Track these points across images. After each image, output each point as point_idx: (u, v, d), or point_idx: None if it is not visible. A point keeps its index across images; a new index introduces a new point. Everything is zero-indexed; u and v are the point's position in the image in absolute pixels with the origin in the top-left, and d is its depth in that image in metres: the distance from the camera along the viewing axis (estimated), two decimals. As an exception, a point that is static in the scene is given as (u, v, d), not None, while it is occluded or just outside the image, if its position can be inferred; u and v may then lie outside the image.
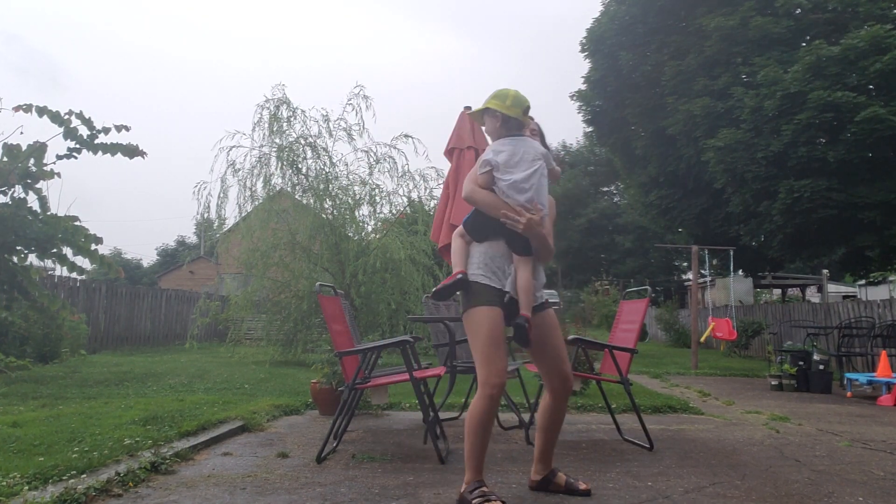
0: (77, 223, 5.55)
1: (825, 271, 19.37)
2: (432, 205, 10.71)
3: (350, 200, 10.12)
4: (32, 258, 5.73)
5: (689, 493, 3.02)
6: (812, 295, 25.20)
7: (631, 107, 15.24)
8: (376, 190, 10.18)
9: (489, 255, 2.86)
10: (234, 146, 9.84)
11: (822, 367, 7.67)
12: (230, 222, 11.06)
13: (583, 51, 15.71)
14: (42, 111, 5.13)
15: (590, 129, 17.74)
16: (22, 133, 7.69)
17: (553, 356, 2.91)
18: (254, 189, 9.88)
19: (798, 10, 12.39)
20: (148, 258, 57.93)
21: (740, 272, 17.82)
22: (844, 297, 23.13)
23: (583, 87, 16.41)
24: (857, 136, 9.92)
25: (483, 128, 3.08)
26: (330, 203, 9.99)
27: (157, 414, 4.35)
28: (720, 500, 2.92)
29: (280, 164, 9.79)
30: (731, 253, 12.81)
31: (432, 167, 10.79)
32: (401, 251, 9.64)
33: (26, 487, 2.70)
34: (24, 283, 5.69)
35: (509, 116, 2.89)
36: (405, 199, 10.45)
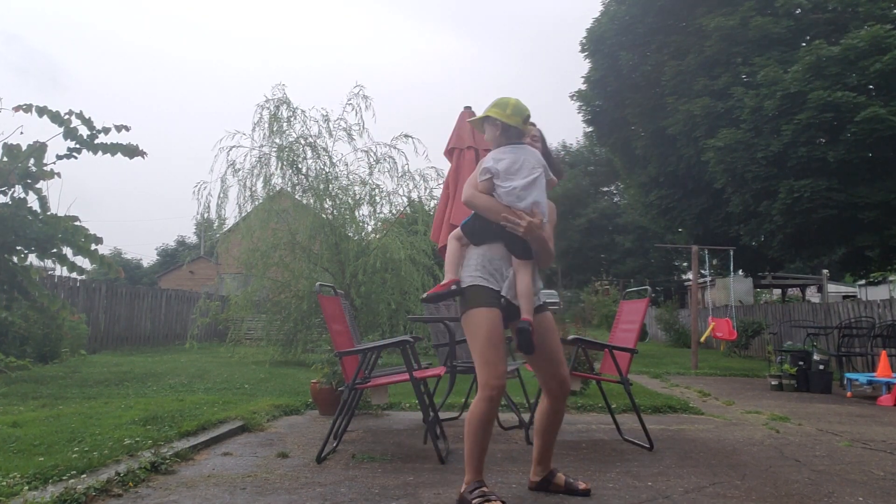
0: (77, 223, 5.54)
1: (825, 271, 19.39)
2: (432, 205, 10.71)
3: (350, 200, 10.12)
4: (32, 258, 5.72)
5: (689, 493, 3.02)
6: (812, 295, 25.20)
7: (631, 107, 15.24)
8: (376, 190, 10.19)
9: (487, 258, 2.86)
10: (234, 146, 9.85)
11: (822, 367, 7.67)
12: (230, 222, 11.06)
13: (583, 51, 15.71)
14: (42, 111, 5.13)
15: (590, 129, 17.74)
16: (22, 133, 7.68)
17: (550, 359, 2.90)
18: (254, 189, 9.89)
19: (798, 10, 12.39)
20: (148, 258, 57.97)
21: (740, 272, 17.82)
22: (844, 297, 23.13)
23: (583, 87, 16.42)
24: (857, 136, 9.92)
25: (484, 135, 3.08)
26: (330, 203, 9.99)
27: (157, 414, 4.35)
28: (720, 500, 2.92)
29: (280, 164, 9.79)
30: (731, 253, 12.81)
31: (432, 167, 10.80)
32: (401, 251, 9.64)
33: (26, 487, 2.70)
34: (24, 283, 5.68)
35: (509, 125, 2.90)
36: (405, 199, 10.45)
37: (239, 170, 9.85)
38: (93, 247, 5.55)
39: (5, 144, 5.10)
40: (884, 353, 7.34)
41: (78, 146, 5.28)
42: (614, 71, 14.86)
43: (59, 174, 5.36)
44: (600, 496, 2.95)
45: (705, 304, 16.41)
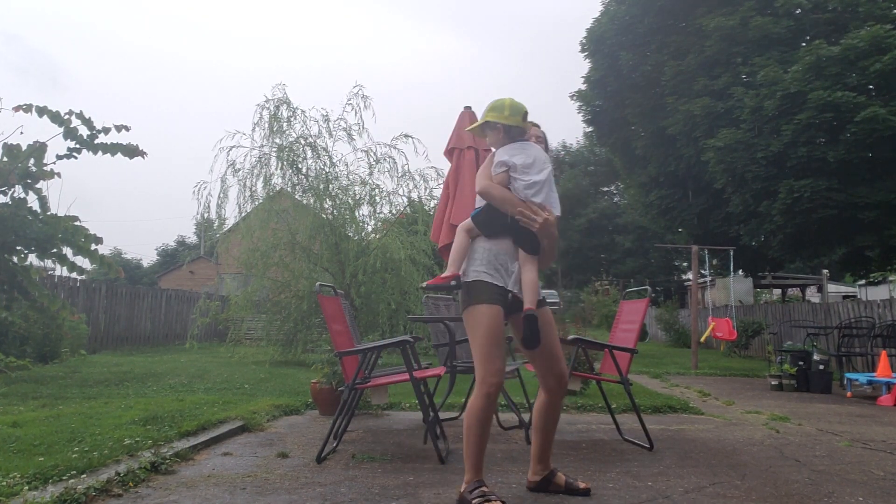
0: (77, 223, 5.53)
1: (825, 271, 19.38)
2: (432, 205, 10.70)
3: (350, 200, 10.12)
4: (32, 258, 5.71)
5: (689, 493, 3.02)
6: (812, 295, 25.20)
7: (631, 107, 15.24)
8: (376, 190, 10.19)
9: (493, 253, 2.85)
10: (234, 146, 9.85)
11: (822, 367, 7.67)
12: (230, 222, 11.06)
13: (583, 51, 15.72)
14: (42, 111, 5.12)
15: (590, 129, 17.76)
16: (22, 133, 7.67)
17: (549, 354, 2.91)
18: (254, 189, 9.89)
19: (798, 10, 12.39)
20: (148, 258, 57.94)
21: (740, 272, 17.83)
22: (844, 297, 23.13)
23: (583, 87, 16.42)
24: (856, 136, 9.92)
25: (486, 140, 3.08)
26: (330, 203, 9.99)
27: (157, 414, 4.35)
28: (720, 500, 2.92)
29: (280, 164, 9.79)
30: (731, 253, 12.81)
31: (432, 167, 10.78)
32: (401, 251, 9.65)
33: (26, 487, 2.70)
34: (24, 283, 5.68)
35: (510, 126, 2.92)
36: (405, 199, 10.46)
37: (239, 170, 9.86)
38: (93, 247, 5.55)
39: (5, 144, 5.10)
40: (884, 353, 7.34)
41: (78, 146, 5.27)
42: (614, 71, 14.86)
43: (59, 174, 5.35)
44: (600, 496, 2.95)
45: (705, 304, 16.41)
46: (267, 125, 9.78)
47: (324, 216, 9.93)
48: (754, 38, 12.17)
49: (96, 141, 5.29)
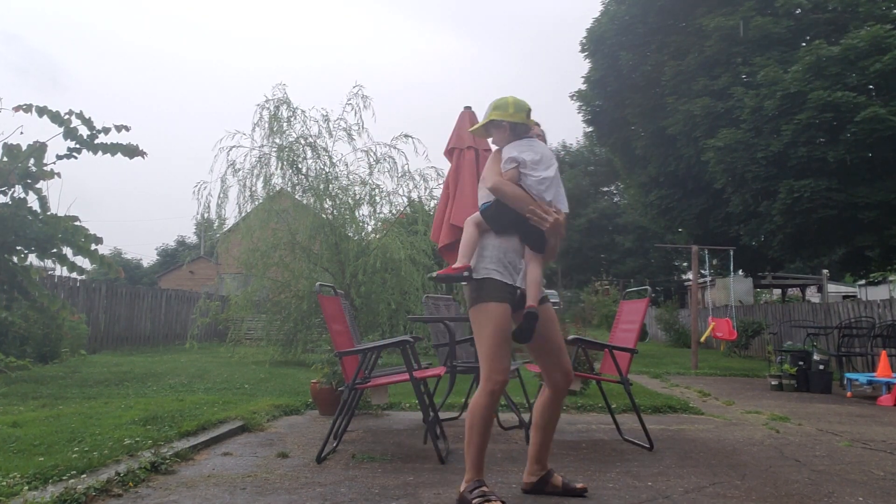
0: (77, 223, 5.54)
1: (825, 271, 19.37)
2: (432, 205, 10.71)
3: (350, 200, 10.12)
4: (32, 258, 5.72)
5: (689, 493, 3.02)
6: (812, 295, 25.19)
7: (631, 107, 15.25)
8: (376, 190, 10.19)
9: (503, 250, 2.85)
10: (234, 146, 9.85)
11: (822, 367, 7.67)
12: (230, 222, 11.06)
13: (583, 51, 15.72)
14: (42, 111, 5.13)
15: (590, 129, 17.76)
16: (22, 133, 7.69)
17: (554, 350, 2.92)
18: (254, 189, 9.89)
19: (798, 10, 12.40)
20: (148, 258, 57.94)
21: (740, 272, 17.83)
22: (844, 297, 23.13)
23: (583, 87, 16.43)
24: (857, 136, 9.92)
25: (490, 140, 3.07)
26: (330, 203, 9.99)
27: (157, 414, 4.35)
28: (720, 500, 2.92)
29: (280, 164, 9.79)
30: (731, 253, 12.81)
31: (432, 167, 10.79)
32: (401, 251, 9.65)
33: (26, 487, 2.70)
34: (24, 283, 5.69)
35: (516, 123, 2.92)
36: (405, 199, 10.46)
37: (239, 170, 9.86)
38: (93, 247, 5.55)
39: (5, 144, 5.11)
40: (884, 353, 7.34)
41: (78, 146, 5.28)
42: (614, 71, 14.87)
43: (59, 174, 5.36)
44: (600, 496, 2.95)
45: (705, 304, 16.41)
46: (267, 125, 9.79)
47: (324, 216, 9.93)
48: (754, 38, 12.18)
49: (96, 141, 5.30)
